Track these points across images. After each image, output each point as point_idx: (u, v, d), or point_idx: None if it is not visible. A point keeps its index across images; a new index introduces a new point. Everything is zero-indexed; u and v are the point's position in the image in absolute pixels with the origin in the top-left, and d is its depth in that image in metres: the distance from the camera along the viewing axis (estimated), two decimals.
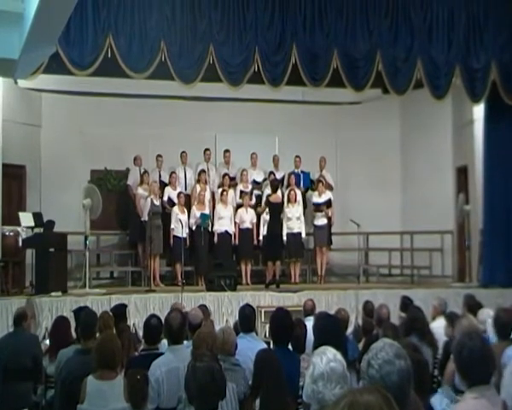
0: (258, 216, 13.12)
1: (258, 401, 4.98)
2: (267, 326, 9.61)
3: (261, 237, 13.00)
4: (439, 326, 7.07)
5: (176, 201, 12.86)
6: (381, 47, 11.80)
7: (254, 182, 13.94)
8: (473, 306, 7.63)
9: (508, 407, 3.32)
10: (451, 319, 6.53)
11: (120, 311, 7.77)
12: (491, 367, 3.57)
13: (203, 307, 7.90)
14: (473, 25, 12.09)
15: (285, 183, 13.94)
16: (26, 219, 11.66)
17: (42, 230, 11.49)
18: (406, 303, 8.33)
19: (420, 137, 14.65)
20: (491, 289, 11.76)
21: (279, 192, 13.06)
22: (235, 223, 12.98)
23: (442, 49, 12.02)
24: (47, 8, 6.72)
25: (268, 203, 12.83)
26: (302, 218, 12.99)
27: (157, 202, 12.63)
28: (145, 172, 13.39)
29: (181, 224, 12.12)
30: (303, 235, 12.98)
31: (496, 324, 5.81)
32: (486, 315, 6.36)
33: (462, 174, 14.05)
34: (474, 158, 13.43)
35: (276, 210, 12.74)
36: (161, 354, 5.52)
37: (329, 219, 13.41)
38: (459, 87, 12.18)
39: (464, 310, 7.72)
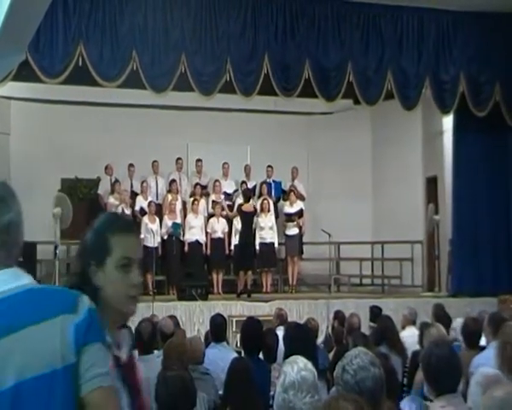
0: (230, 225, 13.10)
1: None
2: (238, 336, 9.58)
3: (233, 247, 12.98)
4: (409, 335, 7.12)
5: (147, 210, 12.79)
6: (352, 58, 11.88)
7: (225, 194, 13.92)
8: (441, 316, 7.70)
9: None
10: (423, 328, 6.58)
11: None
12: (458, 376, 3.61)
13: (173, 319, 7.85)
14: (442, 37, 12.24)
15: (257, 192, 13.95)
16: None
17: None
18: (376, 313, 8.38)
19: (390, 147, 14.75)
20: (460, 299, 11.87)
21: (251, 201, 13.07)
22: (207, 233, 12.96)
23: (412, 60, 12.14)
24: (16, 15, 6.67)
25: (240, 212, 12.84)
26: (275, 227, 13.01)
27: (128, 211, 12.54)
28: (116, 181, 13.30)
29: (152, 233, 12.06)
30: (275, 244, 13.00)
31: (464, 332, 5.87)
32: (459, 325, 6.41)
33: (432, 185, 14.20)
34: (443, 169, 13.59)
35: (248, 219, 12.75)
36: None
37: (300, 228, 13.44)
38: (429, 98, 12.32)
39: (433, 320, 7.79)
